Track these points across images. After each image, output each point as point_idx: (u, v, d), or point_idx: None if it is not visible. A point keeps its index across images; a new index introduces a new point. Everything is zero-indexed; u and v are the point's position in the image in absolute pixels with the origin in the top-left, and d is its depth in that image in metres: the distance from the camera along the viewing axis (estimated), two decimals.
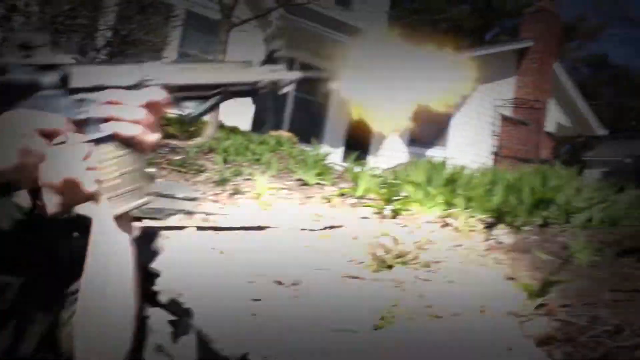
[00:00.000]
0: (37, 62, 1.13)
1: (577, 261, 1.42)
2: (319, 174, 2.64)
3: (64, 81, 1.12)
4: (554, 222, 1.93)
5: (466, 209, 2.09)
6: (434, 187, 2.15)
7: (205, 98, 1.24)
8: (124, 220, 1.15)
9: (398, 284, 1.13)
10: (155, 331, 1.23)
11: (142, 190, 1.16)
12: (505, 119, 12.99)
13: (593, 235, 1.63)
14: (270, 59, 1.34)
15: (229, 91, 1.26)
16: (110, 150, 1.13)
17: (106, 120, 1.11)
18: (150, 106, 1.16)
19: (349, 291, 0.98)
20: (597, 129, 16.13)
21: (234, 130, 6.64)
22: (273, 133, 6.08)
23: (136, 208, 1.14)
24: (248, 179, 2.64)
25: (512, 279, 1.31)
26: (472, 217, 1.98)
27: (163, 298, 1.24)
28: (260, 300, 0.79)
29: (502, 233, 1.73)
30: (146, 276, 1.28)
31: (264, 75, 1.30)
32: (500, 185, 2.21)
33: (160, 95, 1.17)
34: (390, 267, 1.24)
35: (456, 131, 13.02)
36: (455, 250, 1.55)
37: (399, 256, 1.29)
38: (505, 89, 13.61)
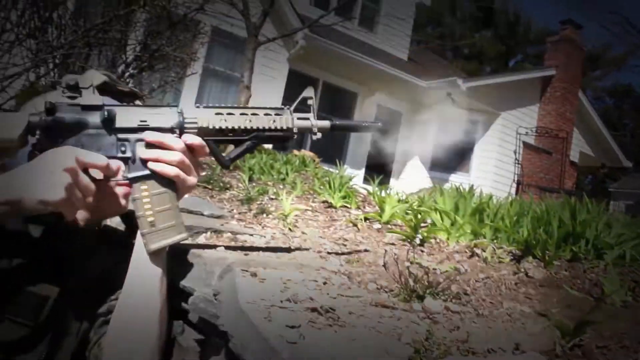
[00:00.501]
0: (83, 103, 1.17)
1: (609, 300, 1.39)
2: (344, 197, 2.64)
3: (108, 121, 1.16)
4: (583, 257, 1.90)
5: (493, 239, 2.07)
6: (462, 216, 2.13)
7: (240, 142, 1.26)
8: (159, 254, 1.18)
9: (429, 315, 1.11)
10: (185, 349, 1.23)
11: (178, 228, 1.16)
12: (528, 147, 12.93)
13: (626, 273, 1.60)
14: (302, 106, 1.37)
15: (262, 136, 1.29)
16: (148, 188, 1.16)
17: (147, 160, 1.15)
18: (189, 149, 1.17)
19: (381, 321, 0.97)
20: (621, 159, 15.98)
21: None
22: (296, 152, 6.11)
23: (172, 244, 1.17)
24: (273, 199, 2.65)
25: (543, 315, 1.29)
26: (500, 248, 1.96)
27: (193, 317, 1.24)
28: (297, 327, 0.79)
29: (531, 266, 1.71)
30: (177, 294, 1.28)
31: (296, 123, 1.33)
32: (527, 217, 2.18)
33: (197, 139, 1.18)
34: (421, 297, 1.23)
35: (479, 157, 12.98)
36: (484, 283, 1.53)
37: (429, 286, 1.28)
38: (529, 117, 13.58)
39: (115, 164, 1.14)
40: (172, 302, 1.35)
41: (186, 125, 1.20)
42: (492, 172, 12.57)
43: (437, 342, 0.92)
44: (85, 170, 1.09)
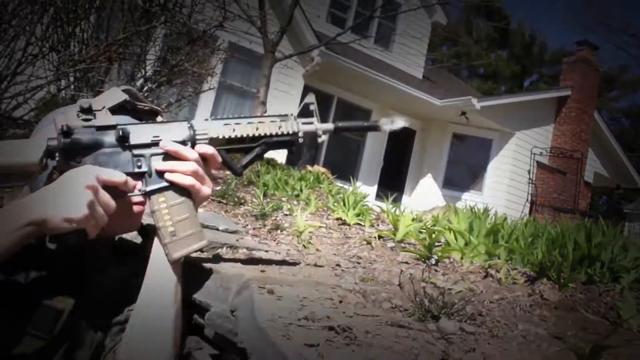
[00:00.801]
0: (97, 124, 1.21)
1: (626, 325, 1.39)
2: (358, 215, 2.65)
3: (123, 139, 1.20)
4: (598, 280, 1.89)
5: (508, 260, 2.07)
6: (476, 237, 2.13)
7: (249, 150, 1.32)
8: (177, 263, 1.21)
9: (444, 336, 1.12)
10: None
11: (198, 235, 1.23)
12: (542, 167, 12.86)
13: None
14: (305, 112, 1.42)
15: (270, 142, 1.34)
16: (166, 199, 1.20)
17: (163, 171, 1.19)
18: (202, 159, 1.22)
19: (397, 340, 0.97)
20: (637, 180, 15.82)
21: (270, 162, 6.73)
22: (309, 168, 6.13)
23: (191, 253, 1.21)
24: (287, 215, 2.66)
25: (559, 338, 1.29)
26: (514, 269, 1.95)
27: (209, 332, 1.26)
28: (315, 345, 0.80)
29: (546, 288, 1.70)
30: (193, 309, 1.30)
31: (301, 127, 1.36)
32: (542, 239, 2.18)
33: (210, 149, 1.23)
34: (436, 317, 1.24)
35: (493, 177, 12.93)
36: (499, 304, 1.53)
37: (444, 307, 1.28)
38: (543, 137, 13.52)
39: (134, 179, 1.18)
40: (188, 316, 1.37)
41: (197, 138, 1.25)
42: (505, 192, 12.51)
43: None
44: (105, 187, 1.12)
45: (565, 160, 13.31)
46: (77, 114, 1.19)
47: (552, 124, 13.92)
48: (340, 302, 1.22)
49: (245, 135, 1.31)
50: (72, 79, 4.24)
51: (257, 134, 1.32)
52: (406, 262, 2.03)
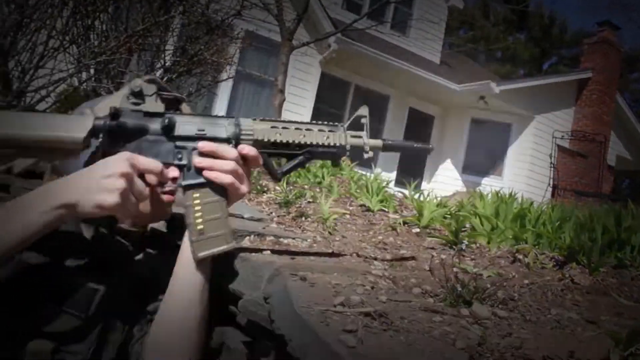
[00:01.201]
0: (146, 110, 1.21)
1: None
2: (381, 201, 2.64)
3: (168, 129, 1.19)
4: (629, 264, 1.87)
5: (535, 245, 2.05)
6: (502, 221, 2.12)
7: (293, 156, 1.30)
8: (204, 262, 1.20)
9: (478, 321, 1.11)
10: (232, 350, 1.26)
11: (227, 237, 1.19)
12: (563, 150, 12.69)
13: None
14: (355, 124, 1.38)
15: (316, 152, 1.31)
16: (200, 196, 1.19)
17: (202, 168, 1.18)
18: (243, 159, 1.20)
19: (432, 326, 0.97)
20: None
21: None
22: None
23: (217, 254, 1.19)
24: (310, 202, 2.66)
25: (593, 322, 1.27)
26: (542, 254, 1.94)
27: (242, 320, 1.27)
28: (354, 331, 0.80)
29: (576, 273, 1.69)
30: (225, 297, 1.31)
31: (349, 140, 1.34)
32: (570, 223, 2.15)
33: (253, 150, 1.21)
34: (467, 302, 1.23)
35: (513, 161, 12.80)
36: (529, 289, 1.52)
37: (476, 292, 1.27)
38: (564, 120, 13.33)
39: (172, 171, 1.18)
40: (220, 305, 1.38)
41: (242, 137, 1.23)
42: (525, 176, 12.39)
43: (491, 348, 0.93)
44: (142, 175, 1.12)
45: (587, 143, 13.13)
46: (128, 97, 1.20)
47: (572, 106, 13.71)
48: (372, 288, 1.22)
49: (291, 141, 1.28)
50: (92, 71, 4.27)
51: (303, 142, 1.29)
52: (432, 248, 2.03)
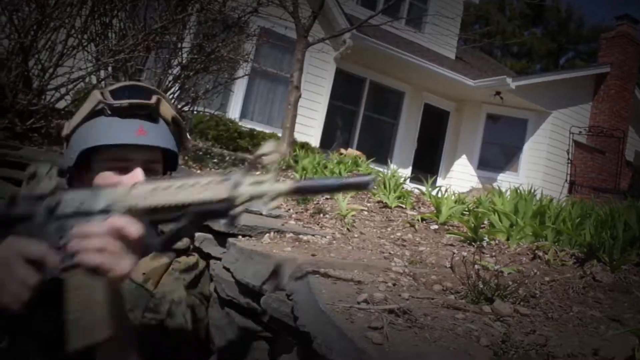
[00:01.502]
0: (38, 192, 1.15)
1: None
2: (399, 197, 2.64)
3: (50, 210, 1.12)
4: None
5: (555, 242, 2.04)
6: (522, 218, 2.11)
7: (176, 220, 1.07)
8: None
9: (500, 318, 1.11)
10: (254, 347, 1.27)
11: (101, 326, 1.03)
12: (580, 146, 12.55)
13: None
14: (252, 164, 1.02)
15: (200, 212, 1.05)
16: (75, 280, 1.04)
17: (71, 250, 1.07)
18: (115, 233, 1.06)
19: (456, 322, 0.98)
20: None
21: (304, 146, 6.74)
22: (343, 151, 6.12)
23: (94, 344, 1.06)
24: (328, 199, 2.67)
25: (616, 320, 1.27)
26: (562, 251, 1.93)
27: (264, 316, 1.28)
28: (379, 328, 0.80)
29: (598, 270, 1.67)
30: (247, 294, 1.32)
31: (242, 191, 1.02)
32: (590, 220, 2.14)
33: (119, 221, 1.06)
34: (489, 299, 1.23)
35: (529, 157, 12.69)
36: (550, 286, 1.51)
37: (497, 289, 1.27)
38: (581, 116, 13.17)
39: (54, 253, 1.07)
40: (241, 301, 1.39)
41: (115, 207, 1.09)
42: (542, 172, 12.28)
43: (515, 345, 0.93)
44: (28, 262, 1.04)
45: (605, 139, 12.97)
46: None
47: (590, 102, 13.55)
48: (394, 284, 1.23)
49: (165, 203, 1.07)
50: (110, 69, 4.31)
51: (179, 202, 1.06)
52: (451, 245, 2.03)
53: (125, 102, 1.29)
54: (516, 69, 21.74)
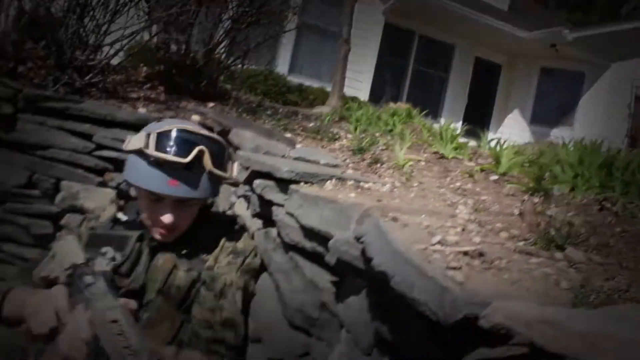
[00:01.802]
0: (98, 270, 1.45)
1: None
2: (455, 148, 2.60)
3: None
4: None
5: (622, 194, 1.97)
6: (588, 169, 2.04)
7: None
8: None
9: (573, 265, 1.09)
10: (320, 289, 1.28)
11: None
12: None
13: None
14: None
15: None
16: None
17: None
18: None
19: (531, 267, 0.96)
20: None
21: (354, 100, 6.68)
22: (392, 104, 6.03)
23: None
24: (384, 149, 2.65)
25: None
26: (631, 203, 1.86)
27: (330, 259, 1.28)
28: (459, 268, 0.80)
29: None
30: (310, 239, 1.32)
31: None
32: None
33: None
34: (559, 247, 1.20)
35: (585, 111, 12.21)
36: (621, 236, 1.47)
37: (568, 236, 1.24)
38: None
39: None
40: (306, 245, 1.41)
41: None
42: (599, 127, 11.82)
43: (596, 289, 0.90)
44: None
45: None
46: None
47: None
48: (463, 230, 1.21)
49: None
50: (162, 25, 4.33)
51: None
52: (513, 195, 1.98)
53: (162, 157, 1.47)
54: (572, 21, 20.74)
